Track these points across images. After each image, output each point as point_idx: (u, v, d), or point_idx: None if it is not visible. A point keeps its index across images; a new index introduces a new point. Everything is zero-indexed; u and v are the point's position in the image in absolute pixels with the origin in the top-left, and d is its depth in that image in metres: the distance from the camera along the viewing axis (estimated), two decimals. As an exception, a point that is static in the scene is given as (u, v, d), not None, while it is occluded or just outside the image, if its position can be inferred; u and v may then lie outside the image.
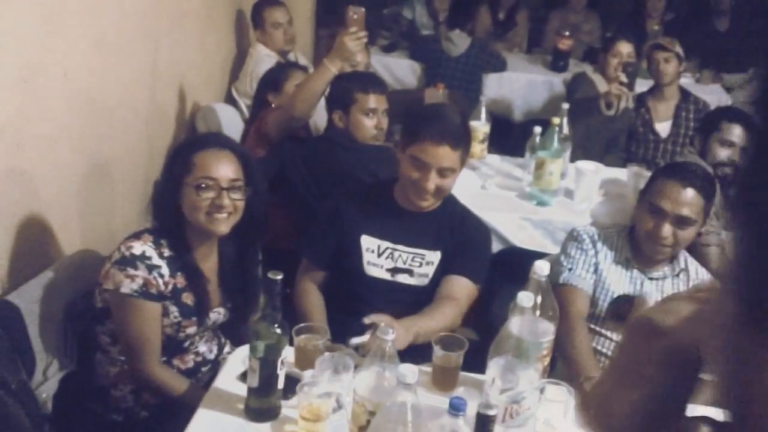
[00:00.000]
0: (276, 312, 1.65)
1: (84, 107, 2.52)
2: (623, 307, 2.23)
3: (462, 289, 2.20)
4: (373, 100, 2.86)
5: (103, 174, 2.73)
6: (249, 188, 1.99)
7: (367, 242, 2.27)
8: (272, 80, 3.31)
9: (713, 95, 4.87)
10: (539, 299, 1.77)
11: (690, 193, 2.18)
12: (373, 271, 2.27)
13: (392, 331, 1.61)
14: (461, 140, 2.17)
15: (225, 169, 1.94)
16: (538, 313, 1.77)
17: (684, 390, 0.78)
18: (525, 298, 1.66)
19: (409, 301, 2.21)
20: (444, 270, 2.24)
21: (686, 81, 4.79)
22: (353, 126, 2.87)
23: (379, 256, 2.27)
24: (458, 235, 2.27)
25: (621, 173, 3.44)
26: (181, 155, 1.98)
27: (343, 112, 2.87)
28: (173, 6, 3.31)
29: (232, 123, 3.58)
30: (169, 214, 1.97)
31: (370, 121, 2.87)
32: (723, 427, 0.76)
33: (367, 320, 1.90)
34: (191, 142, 2.10)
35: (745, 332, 0.49)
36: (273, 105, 3.25)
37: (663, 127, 3.99)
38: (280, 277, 1.63)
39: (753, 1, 6.29)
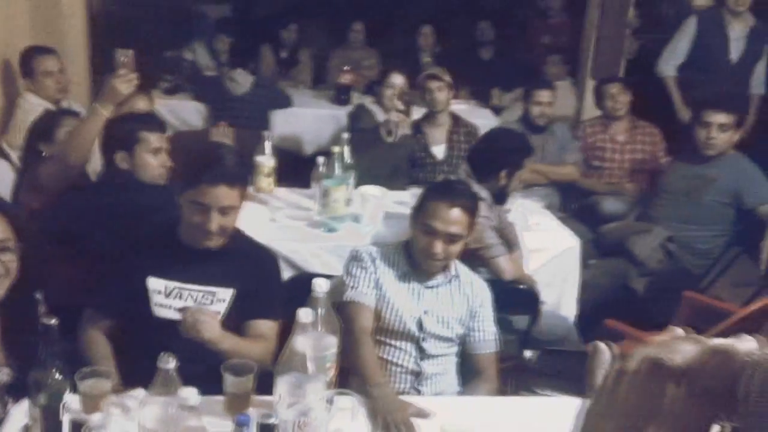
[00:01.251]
0: (54, 358, 1.61)
1: None
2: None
3: (267, 330, 2.24)
4: (158, 139, 2.84)
5: None
6: (20, 245, 1.89)
7: (154, 284, 2.25)
8: (43, 129, 3.19)
9: (483, 119, 5.28)
10: (320, 314, 1.85)
11: (456, 211, 2.39)
12: (162, 312, 2.25)
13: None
14: (237, 177, 2.22)
15: None
16: (320, 328, 1.85)
17: (705, 423, 0.83)
18: (304, 314, 1.73)
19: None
20: (241, 311, 2.26)
21: (459, 107, 5.16)
22: (139, 166, 2.82)
23: (167, 297, 2.25)
24: (249, 275, 2.30)
25: (404, 195, 3.65)
26: None
27: (126, 153, 2.81)
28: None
29: (2, 177, 3.39)
30: None
31: (156, 160, 2.84)
32: None
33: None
34: None
35: None
36: (45, 155, 3.13)
37: (439, 150, 4.28)
38: (53, 321, 1.60)
39: (512, 32, 6.98)
